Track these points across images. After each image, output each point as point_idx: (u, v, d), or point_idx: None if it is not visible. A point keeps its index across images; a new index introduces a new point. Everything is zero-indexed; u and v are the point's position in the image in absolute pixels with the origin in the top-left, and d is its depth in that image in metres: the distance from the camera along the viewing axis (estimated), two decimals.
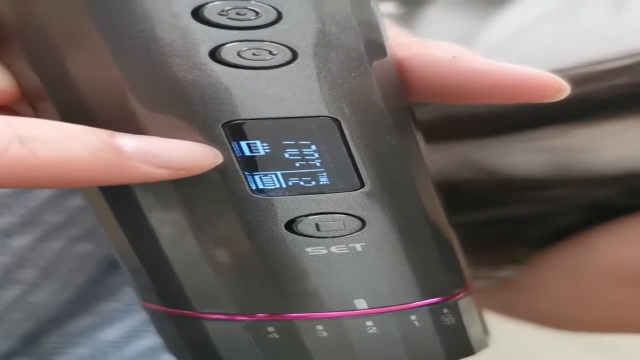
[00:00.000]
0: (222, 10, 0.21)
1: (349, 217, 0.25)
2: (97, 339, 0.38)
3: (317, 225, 0.25)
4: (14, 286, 0.35)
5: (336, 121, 0.23)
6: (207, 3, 0.21)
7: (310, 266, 0.25)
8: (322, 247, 0.25)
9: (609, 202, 0.44)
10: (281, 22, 0.22)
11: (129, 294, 0.40)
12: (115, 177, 0.22)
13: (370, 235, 0.25)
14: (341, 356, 0.27)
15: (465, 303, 0.28)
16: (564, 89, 0.25)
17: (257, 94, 0.22)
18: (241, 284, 0.26)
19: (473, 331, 0.29)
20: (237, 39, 0.22)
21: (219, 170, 0.23)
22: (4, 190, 0.33)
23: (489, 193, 0.45)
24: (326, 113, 0.23)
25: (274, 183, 0.24)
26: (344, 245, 0.25)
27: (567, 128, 0.42)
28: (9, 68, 0.23)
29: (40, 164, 0.21)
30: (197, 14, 0.21)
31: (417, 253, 0.26)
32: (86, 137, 0.21)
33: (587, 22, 0.41)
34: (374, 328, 0.27)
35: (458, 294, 0.28)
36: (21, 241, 0.34)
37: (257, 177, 0.24)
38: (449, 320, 0.28)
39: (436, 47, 0.26)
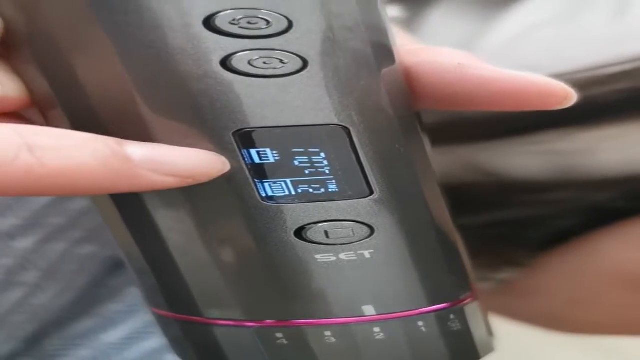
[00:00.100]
0: (234, 20, 0.21)
1: (358, 224, 0.25)
2: (99, 341, 0.38)
3: (326, 233, 0.25)
4: (17, 288, 0.35)
5: (345, 129, 0.24)
6: (218, 12, 0.21)
7: (319, 273, 0.25)
8: (331, 254, 0.25)
9: (609, 205, 0.44)
10: (292, 31, 0.22)
11: (131, 296, 0.40)
12: (123, 186, 0.22)
13: (379, 242, 0.25)
14: None
15: (471, 308, 0.28)
16: (571, 97, 0.25)
17: (268, 103, 0.22)
18: (250, 290, 0.26)
19: (479, 336, 0.29)
20: (248, 48, 0.22)
21: (229, 177, 0.23)
22: None
23: (490, 196, 0.45)
24: (335, 121, 0.23)
25: (283, 190, 0.24)
26: (352, 252, 0.25)
27: (568, 132, 0.42)
28: (20, 75, 0.23)
29: (49, 172, 0.20)
30: (208, 23, 0.21)
31: (425, 259, 0.27)
32: (94, 145, 0.21)
33: (589, 26, 0.41)
34: (382, 334, 0.27)
35: (464, 300, 0.28)
36: (24, 243, 0.34)
37: (266, 185, 0.24)
38: (456, 326, 0.28)
39: (443, 54, 0.26)
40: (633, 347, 0.48)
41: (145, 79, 0.22)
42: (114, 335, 0.39)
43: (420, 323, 0.27)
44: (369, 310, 0.26)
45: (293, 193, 0.24)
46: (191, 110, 0.22)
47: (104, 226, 0.27)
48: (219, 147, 0.23)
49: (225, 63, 0.22)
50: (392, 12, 0.43)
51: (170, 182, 0.22)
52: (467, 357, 0.29)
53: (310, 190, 0.24)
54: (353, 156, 0.24)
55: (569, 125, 0.41)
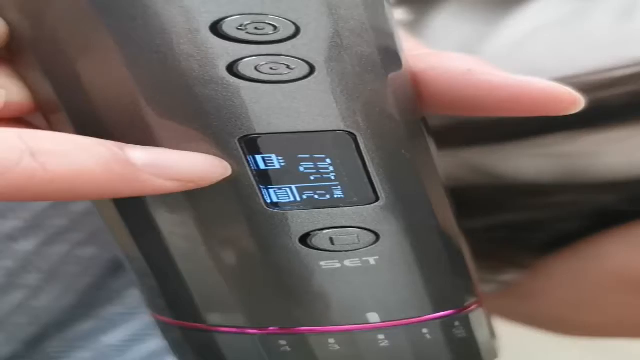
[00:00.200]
0: (241, 25, 0.21)
1: (363, 231, 0.25)
2: (100, 343, 0.38)
3: (331, 240, 0.25)
4: (18, 290, 0.35)
5: (352, 135, 0.23)
6: (225, 18, 0.21)
7: (324, 280, 0.25)
8: (336, 261, 0.25)
9: (612, 208, 0.44)
10: (299, 36, 0.22)
11: (131, 298, 0.39)
12: (126, 190, 0.22)
13: (384, 248, 0.25)
14: None
15: (476, 315, 0.28)
16: (579, 102, 0.25)
17: (274, 108, 0.22)
18: (253, 297, 0.26)
19: (483, 343, 0.29)
20: (255, 54, 0.21)
21: (234, 183, 0.23)
22: None
23: (493, 198, 0.45)
24: (342, 127, 0.23)
25: (288, 197, 0.24)
26: (357, 259, 0.25)
27: (572, 135, 0.42)
28: (25, 80, 0.23)
29: (51, 177, 0.20)
30: (215, 28, 0.21)
31: (431, 266, 0.26)
32: (97, 150, 0.21)
33: (594, 29, 0.41)
34: (386, 341, 0.26)
35: (470, 307, 0.28)
36: (26, 245, 0.34)
37: (271, 191, 0.24)
38: (460, 333, 0.27)
39: (451, 60, 0.26)
40: (636, 349, 0.48)
41: (151, 84, 0.22)
42: (114, 337, 0.38)
43: (425, 330, 0.27)
44: (373, 317, 0.26)
45: (298, 199, 0.24)
46: (197, 115, 0.22)
47: (105, 228, 0.27)
48: (225, 152, 0.23)
49: (231, 68, 0.21)
50: (397, 14, 0.43)
51: (171, 186, 0.22)
52: None
53: (316, 197, 0.24)
54: (359, 162, 0.24)
55: (574, 128, 0.41)
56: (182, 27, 0.21)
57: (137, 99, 0.22)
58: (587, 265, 0.45)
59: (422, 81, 0.25)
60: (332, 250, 0.25)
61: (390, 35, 0.24)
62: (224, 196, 0.24)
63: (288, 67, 0.22)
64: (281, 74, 0.22)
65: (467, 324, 0.28)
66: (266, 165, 0.23)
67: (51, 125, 0.24)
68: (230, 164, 0.23)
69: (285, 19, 0.21)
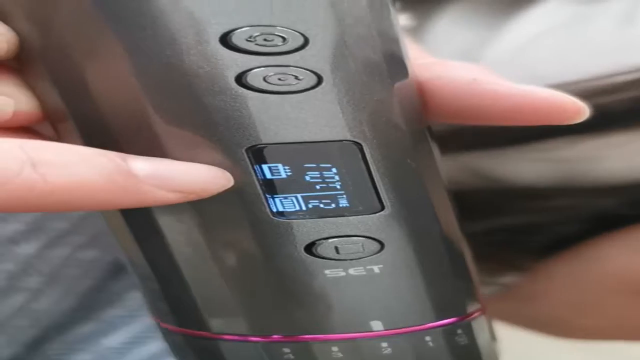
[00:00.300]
0: (250, 37, 0.21)
1: (368, 239, 0.25)
2: (100, 346, 0.38)
3: (336, 248, 0.25)
4: (19, 293, 0.35)
5: (358, 145, 0.23)
6: (235, 29, 0.21)
7: (328, 288, 0.25)
8: (341, 269, 0.25)
9: (612, 212, 0.44)
10: (307, 47, 0.22)
11: (132, 300, 0.39)
12: (127, 201, 0.21)
13: (388, 257, 0.25)
14: None
15: (478, 323, 0.28)
16: (584, 111, 0.25)
17: (282, 119, 0.22)
18: (257, 305, 0.26)
19: (485, 348, 0.29)
20: (264, 64, 0.21)
21: (240, 192, 0.23)
22: None
23: (493, 202, 0.45)
24: (348, 137, 0.23)
25: (294, 206, 0.24)
26: (362, 268, 0.25)
27: (572, 140, 0.42)
28: (34, 89, 0.23)
29: (52, 189, 0.20)
30: (225, 40, 0.21)
31: (434, 275, 0.26)
32: (99, 161, 0.21)
33: (596, 35, 0.41)
34: (389, 349, 0.26)
35: (472, 314, 0.28)
36: (27, 248, 0.34)
37: (277, 200, 0.24)
38: (463, 340, 0.28)
39: (456, 69, 0.26)
40: (637, 352, 0.48)
41: (159, 94, 0.22)
42: (114, 339, 0.38)
43: (428, 338, 0.27)
44: (377, 325, 0.26)
45: (304, 208, 0.24)
46: (205, 125, 0.22)
47: (107, 231, 0.27)
48: (232, 162, 0.23)
49: (240, 79, 0.21)
50: (400, 20, 0.43)
51: (173, 197, 0.22)
52: None
53: (321, 206, 0.24)
54: (365, 171, 0.24)
55: (574, 133, 0.41)
56: (192, 38, 0.21)
57: (145, 108, 0.22)
58: (588, 268, 0.45)
59: (428, 90, 0.25)
60: (337, 259, 0.25)
61: (397, 45, 0.24)
62: (230, 205, 0.24)
63: (296, 77, 0.22)
64: (289, 84, 0.22)
65: (469, 332, 0.28)
66: (272, 175, 0.23)
67: (59, 134, 0.24)
68: (237, 173, 0.23)
69: (294, 30, 0.21)
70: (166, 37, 0.21)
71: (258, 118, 0.22)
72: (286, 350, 0.26)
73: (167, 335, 0.28)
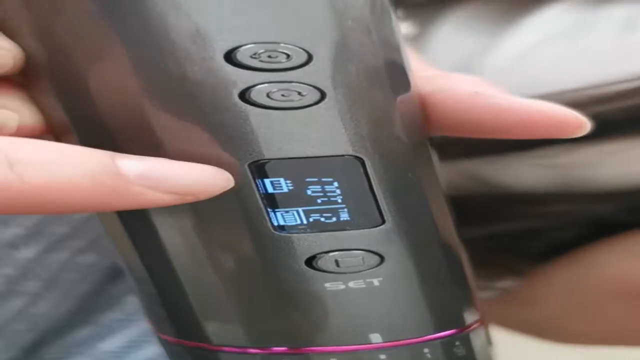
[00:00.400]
0: (255, 54, 0.21)
1: (368, 253, 0.25)
2: (98, 349, 0.38)
3: (336, 262, 0.25)
4: (17, 298, 0.35)
5: (359, 159, 0.23)
6: (240, 46, 0.21)
7: (328, 300, 0.25)
8: (341, 282, 0.25)
9: (609, 217, 0.44)
10: (311, 63, 0.22)
11: (130, 304, 0.39)
12: (117, 203, 0.20)
13: (388, 270, 0.25)
14: None
15: (476, 334, 0.28)
16: (585, 126, 0.25)
17: (284, 134, 0.22)
18: (257, 317, 0.26)
19: (482, 358, 0.29)
20: (268, 81, 0.21)
21: (241, 206, 0.23)
22: None
23: (492, 207, 0.45)
24: (350, 151, 0.23)
25: (295, 219, 0.24)
26: (361, 280, 0.25)
27: (571, 147, 0.42)
28: (38, 103, 0.23)
29: (30, 189, 0.19)
30: (229, 56, 0.21)
31: (434, 287, 0.26)
32: (81, 160, 0.20)
33: (597, 43, 0.41)
34: None
35: (470, 326, 0.28)
36: (26, 253, 0.34)
37: (279, 214, 0.24)
38: (461, 352, 0.28)
39: (459, 82, 0.26)
40: (635, 357, 0.48)
41: (164, 110, 0.22)
42: (112, 343, 0.38)
43: (426, 350, 0.27)
44: (376, 338, 0.26)
45: (305, 222, 0.24)
46: (208, 140, 0.22)
47: (110, 243, 0.27)
48: (234, 176, 0.23)
49: (244, 95, 0.21)
50: (402, 29, 0.43)
51: (168, 199, 0.21)
52: None
53: (322, 220, 0.24)
54: (366, 185, 0.24)
55: (573, 140, 0.41)
56: (197, 55, 0.21)
57: (150, 123, 0.22)
58: (585, 273, 0.45)
59: (429, 104, 0.25)
60: (337, 272, 0.25)
61: (400, 60, 0.24)
62: (231, 218, 0.24)
63: (299, 93, 0.22)
64: (292, 100, 0.22)
65: (467, 343, 0.28)
66: (274, 189, 0.23)
67: None
68: (238, 188, 0.23)
69: (298, 47, 0.21)
70: (172, 53, 0.21)
71: (261, 133, 0.22)
72: None
73: (166, 345, 0.28)
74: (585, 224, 0.45)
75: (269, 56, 0.21)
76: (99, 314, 0.39)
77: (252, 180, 0.23)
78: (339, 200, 0.24)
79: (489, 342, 0.30)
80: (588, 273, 0.45)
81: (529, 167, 0.43)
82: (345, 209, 0.24)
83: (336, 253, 0.24)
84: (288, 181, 0.23)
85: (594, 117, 0.42)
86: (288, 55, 0.21)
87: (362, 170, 0.24)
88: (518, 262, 0.48)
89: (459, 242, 0.28)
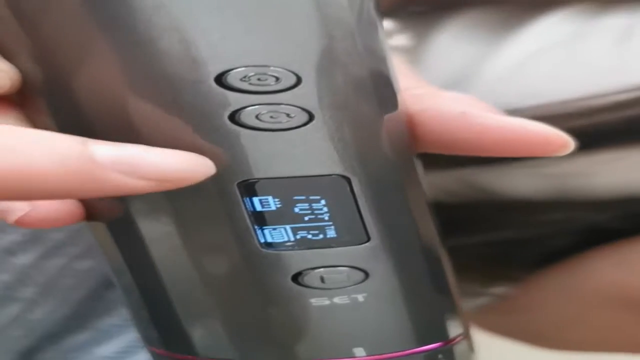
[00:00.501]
0: (245, 77, 0.21)
1: (353, 269, 0.25)
2: (94, 354, 0.38)
3: (322, 278, 0.25)
4: (14, 304, 0.35)
5: (346, 178, 0.24)
6: (231, 69, 0.21)
7: (313, 316, 0.26)
8: (326, 298, 0.25)
9: (604, 226, 0.44)
10: (300, 86, 0.22)
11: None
12: (89, 189, 0.20)
13: (373, 286, 0.25)
14: None
15: (460, 347, 0.29)
16: (569, 145, 0.25)
17: (273, 155, 0.23)
18: (243, 332, 0.26)
19: None
20: (257, 103, 0.22)
21: (229, 224, 0.24)
22: None
23: (486, 215, 0.45)
24: (337, 171, 0.23)
25: (282, 236, 0.24)
26: (346, 296, 0.25)
27: (568, 156, 0.42)
28: (34, 123, 0.23)
29: None
30: (220, 79, 0.21)
31: (418, 302, 0.27)
32: (50, 145, 0.19)
33: (592, 54, 0.41)
34: None
35: (454, 340, 0.28)
36: (23, 259, 0.34)
37: (266, 231, 0.24)
38: None
39: (446, 101, 0.26)
40: None
41: (155, 131, 0.22)
42: (108, 348, 0.39)
43: None
44: (360, 352, 0.27)
45: (292, 239, 0.24)
46: None
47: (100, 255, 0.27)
48: (222, 195, 0.23)
49: (233, 117, 0.22)
50: (399, 40, 0.43)
51: (145, 186, 0.20)
52: None
53: (309, 237, 0.24)
54: (353, 204, 0.24)
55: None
56: (189, 78, 0.21)
57: (142, 143, 0.22)
58: (576, 281, 0.45)
59: (417, 122, 0.26)
60: (323, 288, 0.25)
61: (388, 82, 0.24)
62: (219, 235, 0.24)
63: (288, 115, 0.22)
64: (281, 122, 0.22)
65: (451, 356, 0.28)
66: (262, 207, 0.24)
67: None
68: (226, 206, 0.23)
69: (288, 69, 0.21)
70: (164, 77, 0.21)
71: (250, 154, 0.22)
72: None
73: (155, 357, 0.29)
74: (580, 232, 0.46)
75: (259, 79, 0.21)
76: (95, 319, 0.39)
77: (240, 198, 0.23)
78: (326, 218, 0.24)
79: (471, 351, 0.30)
80: (582, 281, 0.45)
81: (526, 176, 0.43)
82: (332, 227, 0.24)
83: (322, 269, 0.25)
84: (276, 199, 0.24)
85: (590, 127, 0.42)
86: (277, 78, 0.21)
87: (348, 188, 0.24)
88: (513, 269, 0.48)
89: (445, 257, 0.28)
